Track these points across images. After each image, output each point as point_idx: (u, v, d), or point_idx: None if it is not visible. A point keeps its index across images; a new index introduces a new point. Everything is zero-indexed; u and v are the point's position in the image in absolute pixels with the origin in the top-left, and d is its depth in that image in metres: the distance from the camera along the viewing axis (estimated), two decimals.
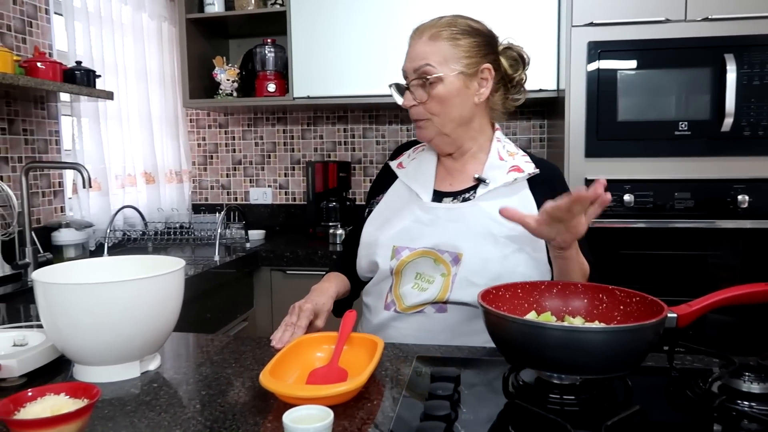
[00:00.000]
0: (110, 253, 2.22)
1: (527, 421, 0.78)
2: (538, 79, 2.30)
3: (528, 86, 2.26)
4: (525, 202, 1.18)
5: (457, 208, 1.20)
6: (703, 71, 2.01)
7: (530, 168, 1.21)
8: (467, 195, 1.22)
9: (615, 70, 2.05)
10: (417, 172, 1.28)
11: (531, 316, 0.95)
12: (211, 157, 3.10)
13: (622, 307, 0.92)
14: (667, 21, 2.02)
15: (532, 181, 1.21)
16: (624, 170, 2.07)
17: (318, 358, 0.98)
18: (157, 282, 0.92)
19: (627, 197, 2.06)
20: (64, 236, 2.07)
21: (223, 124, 3.07)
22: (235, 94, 2.70)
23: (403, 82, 1.23)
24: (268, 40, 2.69)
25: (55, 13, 2.23)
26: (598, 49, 2.04)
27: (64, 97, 2.12)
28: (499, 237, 1.16)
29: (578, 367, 0.78)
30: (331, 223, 2.65)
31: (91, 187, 1.94)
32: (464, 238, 1.16)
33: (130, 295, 0.90)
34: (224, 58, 2.76)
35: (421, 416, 0.74)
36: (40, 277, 0.91)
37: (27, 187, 1.93)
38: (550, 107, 2.61)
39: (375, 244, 1.24)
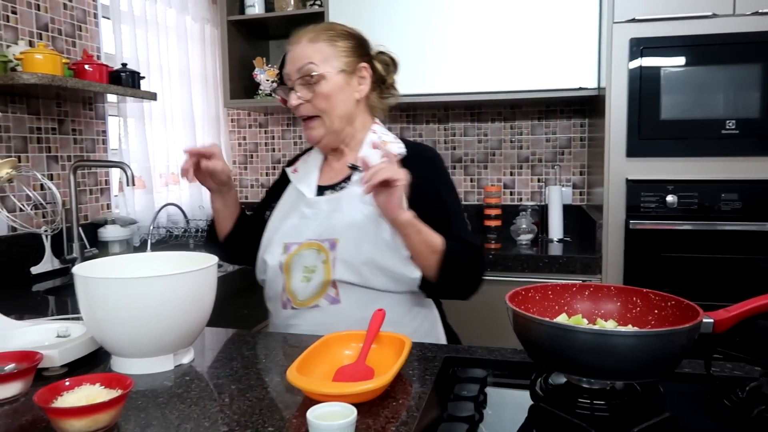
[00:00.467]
0: (153, 249, 2.29)
1: (553, 425, 0.77)
2: (578, 77, 2.26)
3: (567, 84, 2.26)
4: None
5: (335, 198, 1.27)
6: (753, 67, 1.93)
7: (400, 150, 1.28)
8: (344, 184, 1.29)
9: (658, 68, 1.99)
10: (304, 174, 1.36)
11: (562, 318, 0.93)
12: (252, 156, 3.16)
13: (656, 311, 0.89)
14: (714, 16, 1.95)
15: (406, 163, 1.22)
16: (667, 170, 2.01)
17: (346, 355, 0.98)
18: (190, 277, 0.95)
19: (670, 198, 1.99)
20: (109, 232, 2.15)
21: (263, 124, 3.12)
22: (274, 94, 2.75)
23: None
24: None
25: (103, 16, 2.31)
26: (640, 46, 1.99)
27: (111, 98, 2.20)
28: (370, 217, 1.21)
29: (607, 372, 0.77)
30: None
31: (134, 185, 2.00)
32: (340, 224, 1.23)
33: (164, 290, 0.92)
34: (264, 58, 2.81)
35: (444, 416, 0.74)
36: (79, 271, 0.95)
37: (75, 185, 2.01)
38: (591, 106, 2.56)
39: (267, 245, 1.31)
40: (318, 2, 2.64)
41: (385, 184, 1.05)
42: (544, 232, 2.52)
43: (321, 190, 1.32)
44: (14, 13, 1.91)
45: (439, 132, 2.87)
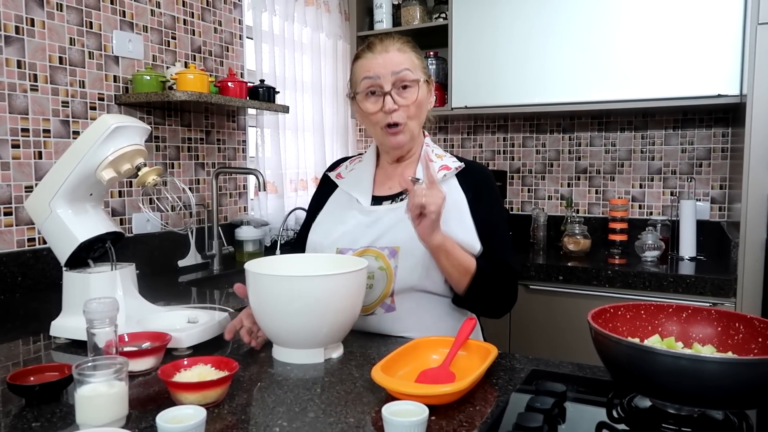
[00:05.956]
0: (282, 250, 2.48)
1: None
2: (717, 83, 2.10)
3: (705, 91, 2.10)
4: (453, 193, 1.27)
5: (395, 207, 1.29)
6: None
7: (456, 164, 1.32)
8: (403, 196, 1.30)
9: None
10: (356, 181, 1.38)
11: (654, 339, 0.90)
12: None
13: (760, 340, 0.83)
14: None
15: (461, 176, 1.31)
16: None
17: (433, 360, 1.02)
18: (346, 278, 1.04)
19: None
20: (244, 232, 2.37)
21: None
22: None
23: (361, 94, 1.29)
24: (431, 53, 2.79)
25: (247, 37, 2.56)
26: None
27: (251, 110, 2.43)
28: None
29: (689, 398, 0.73)
30: None
31: (265, 190, 2.20)
32: (401, 233, 1.24)
33: (324, 288, 1.02)
34: None
35: (512, 426, 0.75)
36: (250, 268, 1.07)
37: (216, 189, 2.25)
38: (735, 114, 2.35)
39: (320, 250, 1.32)
40: (443, 15, 2.70)
41: (421, 209, 1.08)
42: (675, 250, 2.36)
43: (377, 200, 1.33)
44: (173, 38, 2.20)
45: (563, 142, 2.79)
